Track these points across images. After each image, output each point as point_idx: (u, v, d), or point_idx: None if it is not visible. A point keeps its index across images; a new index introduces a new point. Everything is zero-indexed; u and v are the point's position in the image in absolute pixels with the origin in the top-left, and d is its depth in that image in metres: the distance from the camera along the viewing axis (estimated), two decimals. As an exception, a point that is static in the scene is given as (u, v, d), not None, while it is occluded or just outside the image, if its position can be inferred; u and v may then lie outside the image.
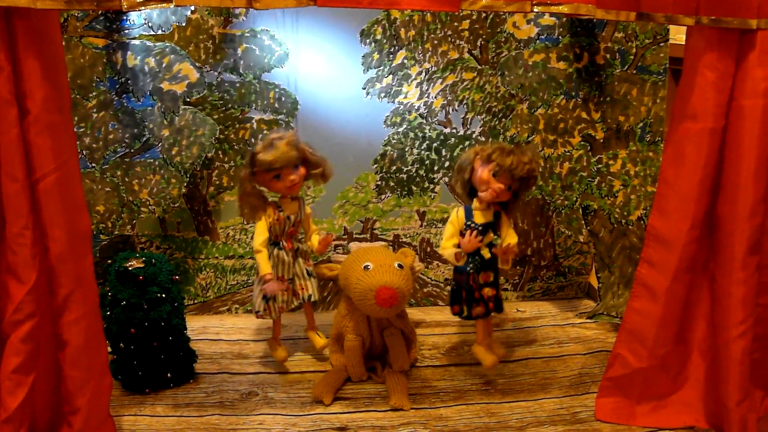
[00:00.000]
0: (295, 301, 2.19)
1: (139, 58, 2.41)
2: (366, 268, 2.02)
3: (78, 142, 2.40)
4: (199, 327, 2.50)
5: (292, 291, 2.18)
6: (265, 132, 2.54)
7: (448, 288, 2.77)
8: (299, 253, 2.18)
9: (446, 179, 2.67)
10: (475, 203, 2.09)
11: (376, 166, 2.64)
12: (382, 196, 2.67)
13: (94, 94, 2.41)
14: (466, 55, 2.57)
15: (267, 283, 2.07)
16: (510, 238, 2.11)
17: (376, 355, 2.22)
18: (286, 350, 2.24)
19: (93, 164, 2.47)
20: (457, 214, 2.10)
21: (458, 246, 2.09)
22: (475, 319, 2.17)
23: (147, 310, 2.01)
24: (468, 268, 2.10)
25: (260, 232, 2.07)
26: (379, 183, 2.65)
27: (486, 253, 2.11)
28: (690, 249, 1.83)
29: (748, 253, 1.76)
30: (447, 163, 2.65)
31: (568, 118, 2.62)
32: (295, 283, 2.18)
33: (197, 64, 2.45)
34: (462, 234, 2.09)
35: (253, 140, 2.53)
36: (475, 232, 2.06)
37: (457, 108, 2.62)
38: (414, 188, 2.68)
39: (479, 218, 2.08)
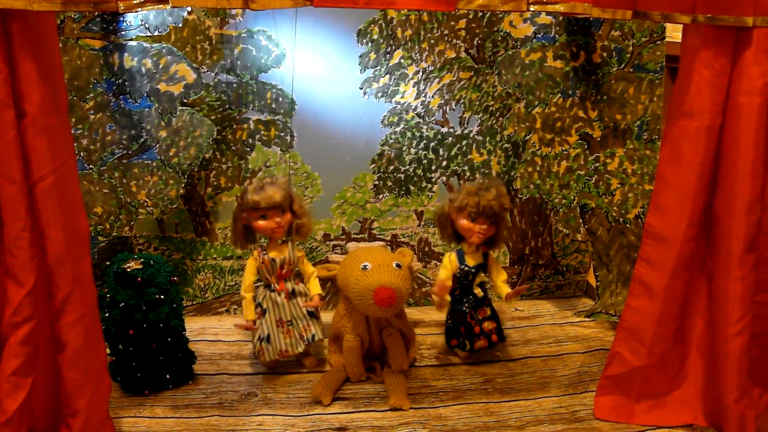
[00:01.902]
0: (302, 344, 2.18)
1: (136, 59, 2.41)
2: (364, 268, 2.02)
3: (75, 144, 2.40)
4: (197, 328, 2.50)
5: (297, 334, 2.18)
6: (262, 132, 2.54)
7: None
8: (296, 293, 2.19)
9: (443, 179, 2.67)
10: (466, 247, 2.23)
11: (373, 165, 2.64)
12: (380, 196, 2.67)
13: (91, 95, 2.40)
14: (463, 55, 2.57)
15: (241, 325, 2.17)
16: (501, 275, 2.25)
17: (375, 355, 2.22)
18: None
19: (91, 166, 2.47)
20: (450, 259, 2.23)
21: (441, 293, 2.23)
22: (479, 351, 2.29)
23: (145, 312, 2.00)
24: (464, 308, 2.25)
25: (246, 276, 2.17)
26: (376, 183, 2.65)
27: (479, 293, 2.26)
28: (687, 247, 1.83)
29: (745, 250, 1.76)
30: (444, 163, 2.65)
31: (565, 117, 2.62)
32: (297, 326, 2.18)
33: (194, 65, 2.45)
34: (456, 277, 2.24)
35: (250, 140, 2.54)
36: (438, 285, 2.22)
37: (454, 107, 2.62)
38: (412, 188, 2.68)
39: (470, 261, 2.23)
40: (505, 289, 2.21)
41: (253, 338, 2.20)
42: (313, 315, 2.21)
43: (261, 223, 2.12)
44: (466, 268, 2.22)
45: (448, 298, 2.25)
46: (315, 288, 2.23)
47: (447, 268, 2.22)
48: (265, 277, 2.18)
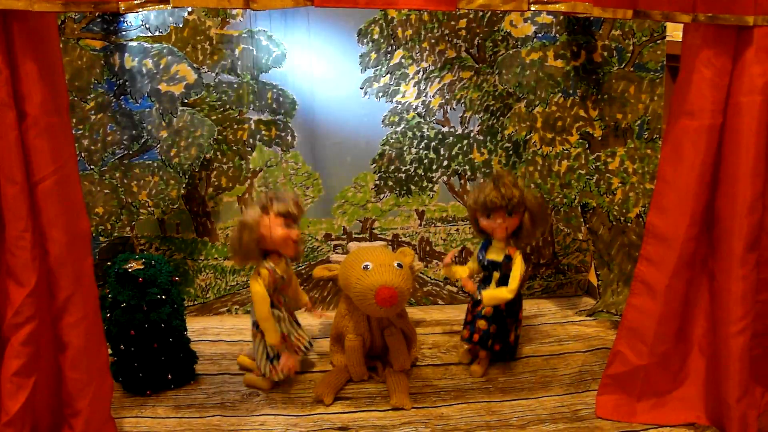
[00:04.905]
0: (301, 355, 2.16)
1: (136, 59, 2.41)
2: (365, 267, 2.02)
3: (76, 144, 2.40)
4: (199, 328, 2.50)
5: (292, 347, 2.13)
6: (263, 132, 2.54)
7: (448, 287, 2.78)
8: (287, 307, 2.15)
9: (444, 178, 2.67)
10: (495, 241, 2.19)
11: (374, 165, 2.64)
12: (381, 196, 2.67)
13: (92, 96, 2.41)
14: (464, 54, 2.57)
15: (281, 355, 2.06)
16: (510, 284, 2.12)
17: (377, 354, 2.22)
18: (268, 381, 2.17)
19: (92, 166, 2.47)
20: (475, 252, 2.24)
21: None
22: (462, 340, 2.28)
23: (147, 312, 2.01)
24: (477, 296, 2.20)
25: (263, 298, 2.02)
26: (377, 182, 2.65)
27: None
28: (689, 246, 1.83)
29: (747, 249, 1.76)
30: (445, 162, 2.65)
31: (566, 116, 2.62)
32: (290, 339, 2.12)
33: (195, 65, 2.45)
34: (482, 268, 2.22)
35: (251, 140, 2.54)
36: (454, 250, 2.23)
37: (455, 107, 2.62)
38: (413, 187, 2.68)
39: (491, 255, 2.18)
40: (486, 294, 2.15)
41: (258, 359, 2.10)
42: (298, 324, 2.18)
43: (283, 231, 2.03)
44: (483, 260, 2.19)
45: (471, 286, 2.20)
46: (304, 296, 2.29)
47: (473, 258, 2.25)
48: (269, 295, 2.06)
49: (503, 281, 2.15)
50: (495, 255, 2.17)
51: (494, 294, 2.14)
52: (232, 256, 2.13)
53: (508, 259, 2.15)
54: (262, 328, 2.05)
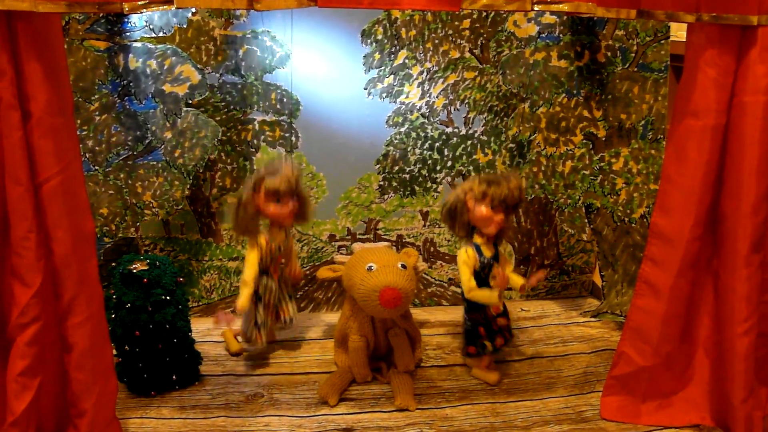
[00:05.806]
0: (277, 325, 2.29)
1: (140, 60, 2.41)
2: (369, 268, 2.02)
3: (81, 145, 2.39)
4: (203, 329, 2.50)
5: (275, 314, 2.25)
6: (267, 133, 2.54)
7: (453, 288, 2.77)
8: (282, 278, 2.25)
9: (448, 179, 2.67)
10: (479, 239, 2.11)
11: (378, 166, 2.64)
12: (385, 197, 2.67)
13: (96, 96, 2.41)
14: (467, 55, 2.57)
15: (229, 313, 2.26)
16: (509, 266, 2.19)
17: (381, 355, 2.22)
18: (239, 343, 2.35)
19: (96, 167, 2.47)
20: (468, 253, 2.09)
21: (490, 288, 2.11)
22: (499, 350, 2.19)
23: (152, 313, 2.01)
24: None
25: (252, 264, 2.15)
26: (381, 183, 2.65)
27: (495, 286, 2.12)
28: (693, 246, 1.83)
29: (751, 249, 1.75)
30: (449, 163, 2.65)
31: (569, 117, 2.62)
32: (279, 307, 2.26)
33: (199, 66, 2.45)
34: (475, 272, 2.10)
35: (255, 141, 2.54)
36: (500, 268, 2.10)
37: (458, 107, 2.62)
38: (417, 188, 2.68)
39: (486, 252, 2.11)
40: (518, 280, 2.13)
41: (245, 323, 2.24)
42: (292, 297, 2.28)
43: (276, 209, 2.10)
44: (486, 260, 2.10)
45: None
46: (296, 268, 2.30)
47: (467, 263, 2.08)
48: (265, 265, 2.18)
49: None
50: (489, 250, 2.11)
51: (517, 279, 2.15)
52: (231, 228, 2.17)
53: (496, 246, 2.14)
54: (240, 289, 2.14)
